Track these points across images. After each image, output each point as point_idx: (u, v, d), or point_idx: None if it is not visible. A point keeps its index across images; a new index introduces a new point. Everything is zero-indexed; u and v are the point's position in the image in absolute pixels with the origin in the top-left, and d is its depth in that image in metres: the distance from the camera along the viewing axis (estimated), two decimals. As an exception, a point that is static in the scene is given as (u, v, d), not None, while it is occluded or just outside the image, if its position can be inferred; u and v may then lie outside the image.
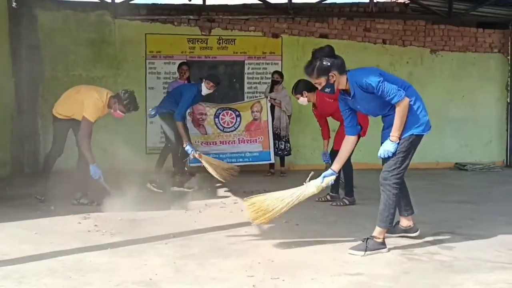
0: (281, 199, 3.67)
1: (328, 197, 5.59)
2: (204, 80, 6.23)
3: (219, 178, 5.84)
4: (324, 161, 5.72)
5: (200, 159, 5.98)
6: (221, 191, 6.28)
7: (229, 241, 3.87)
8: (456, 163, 9.07)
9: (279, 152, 7.89)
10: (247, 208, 3.62)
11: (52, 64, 8.15)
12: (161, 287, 2.82)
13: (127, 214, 4.73)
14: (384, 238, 3.58)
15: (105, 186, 5.18)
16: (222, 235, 4.07)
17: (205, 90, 6.20)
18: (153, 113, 6.68)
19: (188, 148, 6.03)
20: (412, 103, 3.61)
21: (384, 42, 8.95)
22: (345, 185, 5.56)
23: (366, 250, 3.45)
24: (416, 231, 3.98)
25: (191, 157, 6.22)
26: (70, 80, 8.16)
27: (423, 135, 3.75)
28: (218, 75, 6.80)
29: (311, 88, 5.24)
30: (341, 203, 5.45)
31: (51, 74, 8.16)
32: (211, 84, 6.16)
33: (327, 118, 5.64)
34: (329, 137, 5.71)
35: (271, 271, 3.12)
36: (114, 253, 3.50)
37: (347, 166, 5.40)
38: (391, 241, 3.83)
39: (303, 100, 5.42)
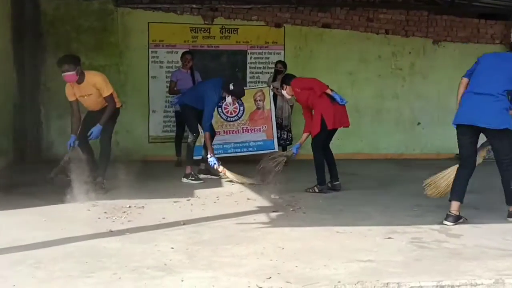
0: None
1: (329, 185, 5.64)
2: (229, 95, 6.07)
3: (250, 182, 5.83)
4: (294, 153, 5.87)
5: (224, 173, 5.95)
6: (226, 181, 6.29)
7: (239, 228, 3.91)
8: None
9: (281, 142, 7.91)
10: None
11: (54, 52, 8.10)
12: (176, 272, 2.86)
13: (134, 201, 4.75)
14: None
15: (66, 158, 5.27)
16: (231, 222, 4.11)
17: (229, 101, 6.19)
18: (175, 100, 6.82)
19: (211, 160, 5.92)
20: None
21: (386, 32, 8.94)
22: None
23: None
24: None
25: (215, 168, 6.03)
26: (72, 68, 8.14)
27: None
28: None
29: (288, 81, 5.75)
30: (311, 190, 5.51)
31: (53, 62, 8.07)
32: (235, 98, 6.22)
33: (310, 111, 5.71)
34: (309, 131, 5.74)
35: (283, 257, 3.16)
36: (126, 239, 3.54)
37: (316, 156, 5.54)
38: (399, 228, 3.88)
39: (284, 93, 5.89)
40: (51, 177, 5.27)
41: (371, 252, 3.28)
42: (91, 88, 5.33)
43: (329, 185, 5.65)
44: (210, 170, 6.36)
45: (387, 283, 2.67)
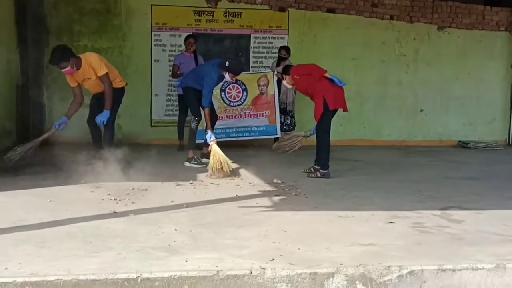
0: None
1: (312, 169, 5.65)
2: (226, 72, 5.93)
3: (212, 170, 5.50)
4: (312, 134, 5.92)
5: (210, 149, 5.72)
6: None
7: (241, 211, 3.94)
8: (459, 141, 9.12)
9: (285, 127, 7.92)
10: None
11: (57, 34, 8.08)
12: (180, 252, 2.89)
13: (138, 184, 4.77)
14: None
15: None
16: (234, 205, 4.14)
17: (228, 79, 6.06)
18: (178, 83, 6.80)
19: (208, 135, 5.81)
20: None
21: (391, 18, 8.87)
22: (319, 157, 5.62)
23: None
24: None
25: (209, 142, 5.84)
26: (75, 51, 7.91)
27: None
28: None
29: (287, 71, 5.77)
30: (314, 175, 5.53)
31: (56, 45, 8.08)
32: (233, 76, 6.03)
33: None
34: None
35: (286, 240, 3.19)
36: (130, 220, 3.56)
37: (324, 138, 5.56)
38: (401, 214, 3.91)
39: (284, 83, 5.93)
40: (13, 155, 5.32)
41: (373, 236, 3.31)
42: (90, 71, 5.36)
43: (312, 169, 5.66)
44: (196, 160, 6.30)
45: (389, 266, 2.69)
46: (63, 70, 5.28)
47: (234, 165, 5.69)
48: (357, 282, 2.66)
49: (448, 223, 3.70)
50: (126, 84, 5.90)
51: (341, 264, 2.72)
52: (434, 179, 5.64)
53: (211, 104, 6.21)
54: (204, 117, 6.07)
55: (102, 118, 5.42)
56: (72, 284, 2.46)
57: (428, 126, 9.22)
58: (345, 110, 5.78)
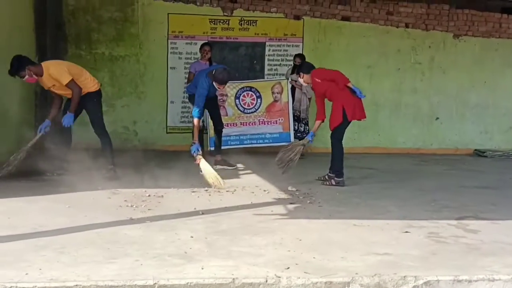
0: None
1: (326, 176, 5.64)
2: (213, 81, 5.89)
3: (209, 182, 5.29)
4: (310, 141, 5.88)
5: (197, 162, 5.49)
6: (242, 172, 6.34)
7: (256, 219, 3.96)
8: (476, 150, 9.04)
9: (298, 134, 7.92)
10: None
11: (75, 42, 8.23)
12: (196, 260, 2.92)
13: (154, 190, 4.83)
14: None
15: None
16: (249, 213, 4.17)
17: (218, 89, 6.05)
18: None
19: (195, 147, 5.57)
20: None
21: (406, 26, 8.86)
22: (333, 165, 5.62)
23: None
24: None
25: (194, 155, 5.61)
26: (93, 58, 8.25)
27: None
28: (226, 72, 6.06)
29: (307, 69, 5.71)
30: (328, 183, 5.53)
31: (74, 52, 8.24)
32: (219, 85, 5.89)
33: (324, 100, 5.74)
34: (323, 119, 5.78)
35: (301, 248, 3.21)
36: (147, 227, 3.61)
37: (338, 147, 5.58)
38: (416, 223, 3.90)
39: (300, 80, 5.86)
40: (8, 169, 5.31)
41: (389, 246, 3.30)
42: (51, 79, 5.38)
43: (326, 177, 5.65)
44: (226, 161, 6.42)
45: (404, 276, 2.70)
46: (23, 79, 5.31)
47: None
48: (372, 291, 2.66)
49: (464, 233, 3.68)
50: (101, 85, 5.83)
51: (356, 273, 2.73)
52: (449, 188, 5.61)
53: (216, 113, 6.35)
54: (192, 127, 5.94)
55: (66, 120, 5.42)
56: (91, 290, 2.50)
57: (443, 134, 9.17)
58: (363, 118, 5.78)
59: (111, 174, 5.41)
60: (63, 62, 5.75)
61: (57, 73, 5.33)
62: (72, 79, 5.35)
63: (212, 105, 6.37)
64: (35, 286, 2.49)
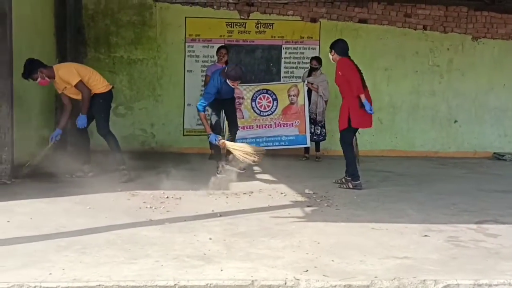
0: None
1: (343, 180, 5.62)
2: (226, 78, 5.89)
3: (245, 161, 5.49)
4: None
5: (223, 146, 5.76)
6: (258, 175, 6.36)
7: (274, 221, 3.98)
8: (495, 153, 8.94)
9: (315, 137, 7.92)
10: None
11: (94, 45, 8.35)
12: (215, 261, 2.95)
13: (172, 192, 4.87)
14: None
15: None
16: (267, 215, 4.18)
17: (232, 86, 5.94)
18: None
19: (211, 138, 5.78)
20: None
21: (424, 28, 8.81)
22: (347, 169, 5.60)
23: None
24: None
25: (217, 143, 5.83)
26: (111, 61, 8.37)
27: None
28: (239, 68, 6.01)
29: (340, 52, 5.65)
30: (346, 186, 5.51)
31: (94, 55, 8.36)
32: (232, 82, 5.86)
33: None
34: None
35: (319, 251, 3.21)
36: (166, 228, 3.65)
37: (347, 150, 5.56)
38: (436, 227, 3.87)
39: (330, 56, 5.80)
40: (24, 172, 5.41)
41: (408, 249, 3.29)
42: (62, 82, 5.49)
43: (343, 180, 5.64)
44: (237, 164, 6.26)
45: (424, 280, 2.69)
46: (36, 81, 5.43)
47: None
48: (391, 295, 2.66)
49: (484, 237, 3.65)
50: (113, 87, 5.88)
51: (375, 277, 2.73)
52: (468, 192, 5.55)
53: (233, 115, 6.27)
54: (201, 120, 5.99)
55: (80, 121, 5.54)
56: (113, 290, 2.55)
57: (462, 137, 9.08)
58: (368, 127, 5.77)
59: (125, 177, 5.45)
60: (72, 63, 5.87)
61: (66, 75, 5.44)
62: (81, 80, 5.45)
63: (229, 107, 6.35)
64: (59, 286, 2.54)
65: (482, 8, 8.85)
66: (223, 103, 6.19)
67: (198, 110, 5.93)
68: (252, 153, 5.40)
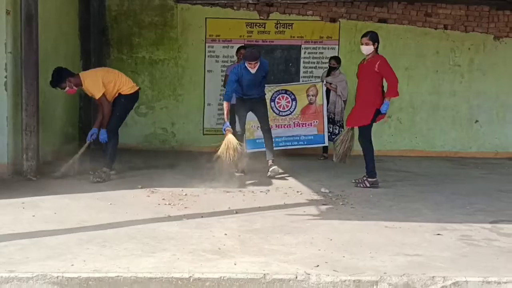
0: None
1: (360, 179, 5.63)
2: (245, 61, 6.00)
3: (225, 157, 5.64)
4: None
5: (226, 133, 5.85)
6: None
7: (289, 219, 4.05)
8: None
9: (333, 137, 7.93)
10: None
11: (117, 46, 8.55)
12: (230, 256, 3.05)
13: (190, 190, 5.00)
14: None
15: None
16: (282, 213, 4.26)
17: (251, 70, 5.94)
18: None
19: (225, 125, 5.94)
20: None
21: (445, 27, 8.75)
22: (366, 165, 5.61)
23: None
24: None
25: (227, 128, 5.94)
26: (134, 62, 8.56)
27: None
28: (254, 49, 6.33)
29: (377, 47, 5.67)
30: (363, 185, 5.52)
31: (117, 56, 8.57)
32: (249, 63, 5.89)
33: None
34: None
35: (331, 248, 3.28)
36: (183, 224, 3.77)
37: (368, 147, 5.58)
38: (450, 226, 3.90)
39: (368, 48, 5.63)
40: (60, 173, 5.51)
41: (419, 247, 3.33)
42: (87, 91, 5.62)
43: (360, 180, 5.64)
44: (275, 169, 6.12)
45: (433, 277, 2.73)
46: (64, 90, 5.55)
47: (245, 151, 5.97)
48: (400, 291, 2.71)
49: (497, 236, 3.66)
50: (140, 88, 5.96)
51: (385, 273, 2.78)
52: (486, 192, 5.52)
53: (261, 113, 6.27)
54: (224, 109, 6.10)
55: (102, 137, 5.63)
56: (131, 281, 2.67)
57: (483, 138, 8.99)
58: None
59: (99, 179, 5.34)
60: (99, 71, 5.84)
61: (91, 87, 5.53)
62: (103, 95, 5.51)
63: (258, 109, 6.29)
64: (80, 276, 2.68)
65: (504, 7, 8.74)
66: (250, 103, 6.17)
67: (224, 100, 6.09)
68: (229, 155, 5.59)
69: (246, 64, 5.95)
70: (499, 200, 5.07)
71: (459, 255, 3.19)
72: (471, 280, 2.72)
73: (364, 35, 5.67)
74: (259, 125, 6.62)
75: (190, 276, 2.68)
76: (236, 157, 5.69)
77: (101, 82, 5.52)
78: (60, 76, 5.49)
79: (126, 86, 5.72)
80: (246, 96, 6.16)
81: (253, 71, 5.94)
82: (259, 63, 5.95)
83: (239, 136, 6.14)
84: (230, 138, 5.78)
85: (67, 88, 5.53)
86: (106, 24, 8.50)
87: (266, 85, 7.76)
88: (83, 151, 5.76)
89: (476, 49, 8.83)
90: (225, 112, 6.07)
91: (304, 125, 7.86)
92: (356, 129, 5.78)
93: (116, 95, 5.68)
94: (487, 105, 8.91)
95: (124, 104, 5.74)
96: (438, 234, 3.67)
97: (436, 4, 8.71)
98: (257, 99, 6.28)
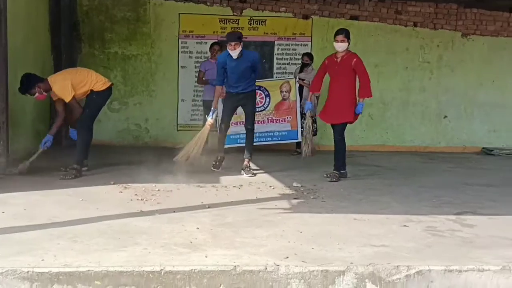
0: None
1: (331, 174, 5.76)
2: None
3: (188, 153, 5.87)
4: (306, 109, 6.20)
5: (207, 126, 6.00)
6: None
7: (260, 213, 4.12)
8: (483, 148, 9.10)
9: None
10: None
11: (89, 41, 8.46)
12: (201, 249, 3.09)
13: (163, 186, 5.01)
14: None
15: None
16: (254, 207, 4.32)
17: (231, 52, 5.80)
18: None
19: (211, 112, 6.03)
20: None
21: (415, 25, 8.95)
22: (338, 161, 5.77)
23: None
24: None
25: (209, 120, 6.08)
26: (106, 57, 8.49)
27: None
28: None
29: (349, 36, 5.75)
30: (334, 179, 5.65)
31: (88, 51, 8.48)
32: (229, 44, 5.76)
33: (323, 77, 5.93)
34: (316, 91, 6.08)
35: (301, 240, 3.36)
36: (156, 219, 3.79)
37: (343, 143, 5.77)
38: (416, 218, 4.02)
39: (343, 45, 5.70)
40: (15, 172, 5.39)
41: (386, 238, 3.44)
42: (55, 95, 5.52)
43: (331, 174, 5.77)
44: (250, 169, 6.12)
45: (397, 266, 2.83)
46: (33, 96, 5.48)
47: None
48: (366, 280, 2.81)
49: (460, 227, 3.80)
50: (112, 84, 5.87)
51: (351, 263, 2.87)
52: (453, 186, 5.70)
53: (248, 110, 6.16)
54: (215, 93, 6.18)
55: (73, 134, 5.69)
56: (102, 275, 2.69)
57: (452, 133, 9.24)
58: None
59: (69, 176, 5.29)
60: (67, 74, 5.64)
61: (60, 91, 5.43)
62: (74, 98, 5.43)
63: (246, 103, 6.15)
64: (50, 271, 2.68)
65: (471, 5, 8.99)
66: (238, 99, 6.05)
67: (216, 85, 6.14)
68: (183, 157, 5.84)
69: (227, 47, 5.84)
70: (464, 193, 5.24)
71: (424, 245, 3.31)
72: (434, 269, 2.83)
73: (339, 33, 5.75)
74: (242, 121, 6.60)
75: (161, 269, 2.72)
76: (194, 155, 5.81)
77: (70, 86, 5.42)
78: (29, 82, 5.38)
79: (99, 83, 5.65)
80: (234, 90, 6.03)
81: (234, 54, 5.77)
82: (240, 47, 5.77)
83: (222, 133, 6.17)
84: (204, 132, 5.88)
85: (36, 94, 5.43)
86: (77, 19, 8.40)
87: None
88: (35, 158, 5.56)
89: (444, 46, 9.06)
90: (215, 98, 6.09)
91: (277, 121, 7.94)
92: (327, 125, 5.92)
93: (89, 92, 5.64)
94: (455, 101, 9.16)
95: (95, 100, 5.67)
96: (405, 226, 3.79)
97: (406, 2, 8.91)
98: (245, 94, 6.08)
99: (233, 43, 5.75)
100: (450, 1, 8.94)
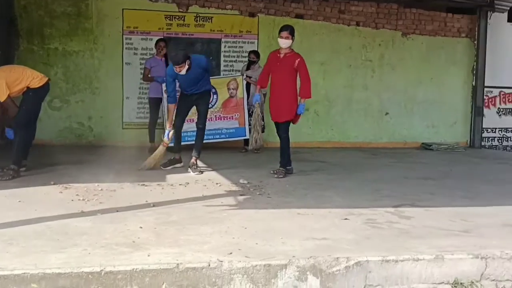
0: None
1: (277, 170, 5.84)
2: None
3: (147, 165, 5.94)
4: (254, 101, 6.16)
5: (163, 146, 6.03)
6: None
7: (206, 210, 4.11)
8: (423, 143, 9.50)
9: (254, 129, 8.10)
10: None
11: (27, 37, 8.13)
12: (144, 248, 3.04)
13: (106, 185, 4.90)
14: None
15: None
16: (199, 205, 4.31)
17: (179, 72, 5.68)
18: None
19: (166, 132, 6.01)
20: None
21: (357, 24, 9.22)
22: (284, 157, 5.88)
23: None
24: None
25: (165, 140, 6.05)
26: (45, 53, 8.20)
27: None
28: (181, 51, 5.81)
29: (293, 35, 5.73)
30: (281, 175, 5.72)
31: (27, 47, 8.15)
32: (175, 66, 5.66)
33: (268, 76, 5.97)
34: (263, 85, 6.09)
35: (245, 236, 3.38)
36: (98, 219, 3.70)
37: (288, 140, 5.85)
38: (357, 211, 4.15)
39: (287, 42, 5.70)
40: None
41: (327, 231, 3.52)
42: None
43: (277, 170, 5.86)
44: (198, 167, 6.14)
45: (337, 258, 2.91)
46: None
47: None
48: (308, 272, 2.86)
49: (398, 219, 3.95)
50: (49, 79, 5.65)
51: (293, 256, 2.92)
52: (394, 179, 5.91)
53: (201, 109, 6.14)
54: (168, 113, 6.16)
55: (9, 134, 5.46)
56: (38, 277, 2.59)
57: (393, 129, 9.58)
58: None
59: (7, 176, 5.11)
60: (2, 72, 5.33)
61: None
62: (9, 97, 5.19)
63: (199, 103, 6.12)
64: (-17, 276, 2.56)
65: (411, 5, 9.36)
66: (192, 99, 6.01)
67: (168, 103, 6.06)
68: (149, 164, 5.93)
69: (174, 68, 5.68)
70: (404, 186, 5.45)
71: (363, 237, 3.42)
72: (372, 260, 2.93)
73: (284, 29, 5.77)
74: (192, 119, 6.62)
75: (102, 270, 2.66)
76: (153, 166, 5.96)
77: (5, 85, 5.16)
78: None
79: (35, 79, 5.42)
80: (189, 92, 5.99)
81: (182, 72, 5.67)
82: (186, 65, 5.64)
83: (176, 131, 6.09)
84: (161, 151, 5.99)
85: None
86: (14, 14, 8.05)
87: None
88: None
89: (386, 45, 9.38)
90: (169, 118, 6.00)
91: (225, 118, 7.95)
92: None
93: (25, 89, 5.41)
94: (396, 98, 9.51)
95: (31, 97, 5.43)
96: (346, 219, 3.89)
97: (349, 1, 9.15)
98: (199, 94, 6.05)
99: (177, 67, 5.62)
100: (391, 1, 9.26)
